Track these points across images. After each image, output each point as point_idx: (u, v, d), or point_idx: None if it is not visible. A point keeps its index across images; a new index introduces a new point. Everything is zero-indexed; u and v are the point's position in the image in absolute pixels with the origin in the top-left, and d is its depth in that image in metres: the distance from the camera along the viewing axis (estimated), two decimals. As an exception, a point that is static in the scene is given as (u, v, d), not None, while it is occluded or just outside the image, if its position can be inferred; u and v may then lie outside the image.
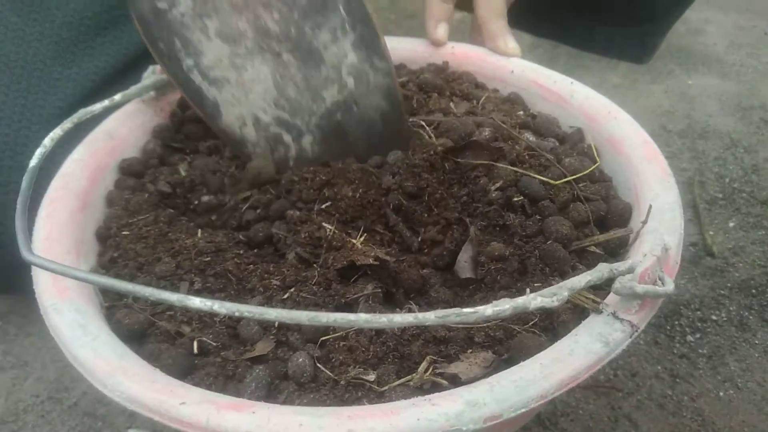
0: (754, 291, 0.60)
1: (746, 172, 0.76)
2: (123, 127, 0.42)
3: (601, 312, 0.28)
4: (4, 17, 0.53)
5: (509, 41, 0.48)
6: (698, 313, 0.58)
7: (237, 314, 0.22)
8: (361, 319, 0.22)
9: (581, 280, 0.26)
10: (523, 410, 0.24)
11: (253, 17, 0.38)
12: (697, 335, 0.56)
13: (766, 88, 0.92)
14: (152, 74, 0.44)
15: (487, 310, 0.23)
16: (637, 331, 0.28)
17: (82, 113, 0.37)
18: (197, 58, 0.39)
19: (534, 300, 0.24)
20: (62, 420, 0.51)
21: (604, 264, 0.27)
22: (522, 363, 0.26)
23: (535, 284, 0.32)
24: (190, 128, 0.43)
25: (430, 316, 0.23)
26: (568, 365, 0.26)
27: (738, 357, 0.54)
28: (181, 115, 0.44)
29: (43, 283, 0.30)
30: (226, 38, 0.39)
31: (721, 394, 0.52)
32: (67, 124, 0.36)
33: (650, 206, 0.32)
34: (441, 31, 0.50)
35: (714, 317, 0.58)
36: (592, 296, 0.29)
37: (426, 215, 0.36)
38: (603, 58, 0.74)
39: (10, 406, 0.52)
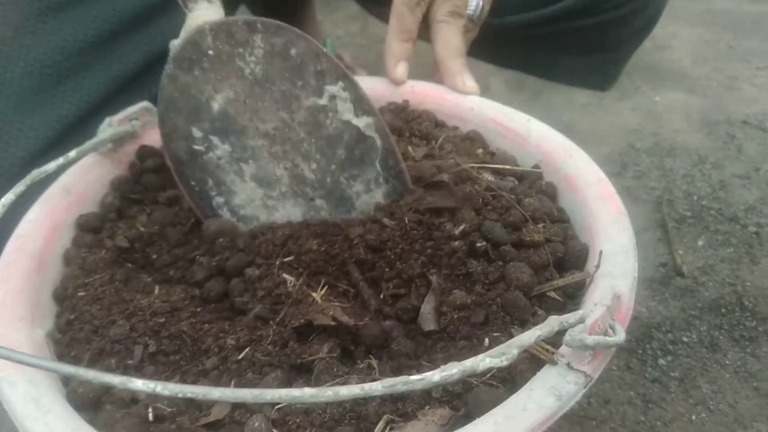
0: (723, 310, 0.61)
1: (714, 189, 0.77)
2: (80, 181, 0.42)
3: (556, 363, 0.28)
4: (-37, 68, 0.53)
5: (467, 80, 0.49)
6: (669, 335, 0.59)
7: (180, 395, 0.22)
8: (306, 394, 0.22)
9: (531, 336, 0.26)
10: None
11: (291, 165, 0.39)
12: (669, 358, 0.57)
13: (731, 102, 0.94)
14: (108, 127, 0.43)
15: (435, 376, 0.23)
16: (591, 381, 0.28)
17: (35, 174, 0.37)
18: (229, 197, 0.40)
19: (483, 361, 0.24)
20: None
21: (554, 317, 0.27)
22: (476, 421, 0.26)
23: (495, 333, 0.32)
24: (149, 178, 0.43)
25: (377, 387, 0.23)
26: (522, 422, 0.26)
27: (709, 379, 0.55)
28: (140, 165, 0.44)
29: (-6, 356, 0.30)
30: (261, 182, 0.40)
31: (694, 417, 0.52)
32: (20, 187, 0.35)
33: (600, 252, 0.33)
34: (400, 70, 0.50)
35: (685, 339, 0.58)
36: (547, 346, 0.29)
37: (388, 269, 0.36)
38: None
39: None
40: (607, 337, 0.27)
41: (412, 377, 0.23)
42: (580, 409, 0.53)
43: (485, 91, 0.95)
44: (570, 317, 0.28)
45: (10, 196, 0.34)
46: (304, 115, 0.39)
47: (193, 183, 0.40)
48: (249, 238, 0.37)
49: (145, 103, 0.46)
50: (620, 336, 0.28)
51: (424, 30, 0.53)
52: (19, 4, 0.55)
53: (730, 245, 0.68)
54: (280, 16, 0.95)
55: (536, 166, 0.43)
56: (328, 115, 0.39)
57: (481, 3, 0.52)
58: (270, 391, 0.22)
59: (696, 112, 0.92)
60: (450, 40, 0.50)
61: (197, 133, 0.39)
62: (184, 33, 0.40)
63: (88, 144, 0.41)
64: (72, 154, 0.40)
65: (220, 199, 0.40)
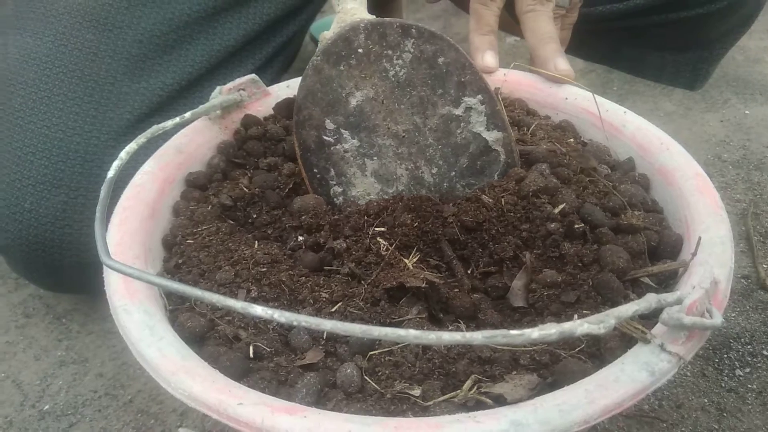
0: (809, 329, 0.59)
1: (804, 206, 0.74)
2: (191, 142, 0.45)
3: (649, 342, 0.28)
4: (81, 35, 0.57)
5: (560, 64, 0.49)
6: (749, 347, 0.57)
7: (295, 323, 0.24)
8: (411, 335, 0.23)
9: (629, 309, 0.26)
10: (565, 433, 0.25)
11: (413, 167, 0.41)
12: (747, 369, 0.55)
13: (827, 120, 0.89)
14: (219, 94, 0.46)
15: (534, 333, 0.24)
16: (683, 362, 0.28)
17: (155, 129, 0.40)
18: (347, 188, 0.42)
19: (581, 326, 0.25)
20: (117, 416, 0.54)
21: (653, 294, 0.28)
22: (567, 387, 0.27)
23: (584, 311, 0.32)
24: (251, 145, 0.46)
25: (477, 336, 0.24)
26: (613, 392, 0.26)
27: (790, 395, 0.53)
28: (245, 133, 0.46)
29: (114, 286, 0.32)
30: (381, 178, 0.41)
31: (771, 432, 0.50)
32: (141, 138, 0.38)
33: (699, 238, 0.33)
34: (488, 58, 0.51)
35: (765, 352, 0.56)
36: (640, 326, 0.30)
37: (481, 250, 0.37)
38: (656, 84, 0.73)
39: (69, 400, 0.55)
40: (704, 319, 0.27)
41: (512, 331, 0.24)
42: (651, 410, 0.52)
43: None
44: (668, 296, 0.28)
45: (133, 146, 0.37)
46: (436, 121, 0.40)
47: (315, 170, 0.42)
48: (334, 216, 0.39)
49: (252, 75, 0.49)
50: (717, 320, 0.28)
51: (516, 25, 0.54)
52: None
53: (819, 264, 0.66)
54: (373, 3, 0.97)
55: (630, 159, 0.43)
56: (460, 125, 0.40)
57: None
58: (377, 329, 0.24)
59: (789, 128, 0.88)
60: (538, 27, 0.51)
61: (330, 125, 0.41)
62: (336, 27, 0.41)
63: (200, 108, 0.44)
64: (187, 115, 0.42)
65: (338, 189, 0.42)
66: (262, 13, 0.65)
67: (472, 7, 0.54)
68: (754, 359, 0.56)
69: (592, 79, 1.01)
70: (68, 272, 0.57)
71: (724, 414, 0.51)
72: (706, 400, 0.53)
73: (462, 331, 0.33)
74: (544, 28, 0.51)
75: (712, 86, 0.99)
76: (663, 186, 0.40)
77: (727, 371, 0.55)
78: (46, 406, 0.55)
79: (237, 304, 0.24)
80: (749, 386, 0.54)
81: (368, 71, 0.39)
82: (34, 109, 0.55)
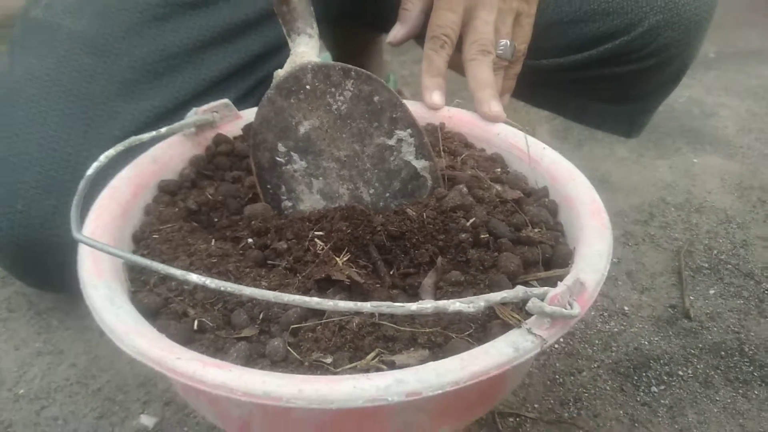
0: (723, 353, 0.64)
1: (735, 246, 0.80)
2: (165, 154, 0.51)
3: (520, 327, 0.34)
4: (80, 59, 0.64)
5: (493, 106, 0.56)
6: (666, 367, 0.63)
7: (222, 288, 0.30)
8: (314, 301, 0.30)
9: (497, 295, 0.33)
10: (439, 391, 0.31)
11: (353, 187, 0.47)
12: (662, 387, 0.61)
13: (768, 171, 0.97)
14: (194, 114, 0.53)
15: (413, 306, 0.30)
16: (545, 343, 0.34)
17: (133, 140, 0.46)
18: (296, 203, 0.48)
19: (453, 305, 0.31)
20: (86, 402, 0.59)
21: (521, 287, 0.34)
22: (447, 358, 0.33)
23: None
24: (220, 160, 0.52)
25: (367, 306, 0.30)
26: (482, 361, 0.32)
27: (698, 410, 0.58)
28: (215, 149, 0.53)
29: (85, 264, 0.38)
30: (325, 196, 0.48)
31: (676, 442, 0.56)
32: (119, 146, 0.45)
33: (574, 248, 0.39)
34: (435, 97, 0.58)
35: (680, 372, 0.62)
36: (516, 315, 0.36)
37: (403, 255, 0.43)
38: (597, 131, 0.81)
39: (43, 386, 0.60)
40: (563, 309, 0.33)
41: (395, 304, 0.30)
42: (570, 417, 0.57)
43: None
44: (535, 290, 0.34)
45: (111, 151, 0.44)
46: (373, 150, 0.47)
47: (269, 186, 0.48)
48: (280, 221, 0.45)
49: (225, 100, 0.55)
50: (575, 311, 0.34)
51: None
52: (132, 11, 0.67)
53: (741, 297, 0.72)
54: (351, 51, 1.06)
55: (544, 187, 0.50)
56: (393, 154, 0.47)
57: (509, 42, 0.60)
58: (286, 295, 0.30)
59: (731, 177, 0.96)
60: (478, 74, 0.58)
61: (282, 148, 0.47)
62: (289, 66, 0.48)
63: (176, 124, 0.51)
64: (163, 130, 0.49)
65: (288, 203, 0.48)
66: (245, 50, 0.72)
67: (425, 52, 0.61)
68: (670, 378, 0.62)
69: (556, 125, 1.09)
70: (52, 271, 0.62)
71: (636, 424, 0.57)
72: (621, 412, 0.58)
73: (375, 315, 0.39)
74: (483, 76, 0.58)
75: (666, 135, 1.08)
76: (566, 210, 0.47)
77: (643, 387, 0.60)
78: (21, 390, 0.60)
79: (177, 272, 0.31)
80: (662, 401, 0.59)
81: (314, 104, 0.46)
82: (34, 122, 0.62)
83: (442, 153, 0.53)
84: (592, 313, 0.68)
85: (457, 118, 0.58)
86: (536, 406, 0.58)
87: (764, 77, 1.29)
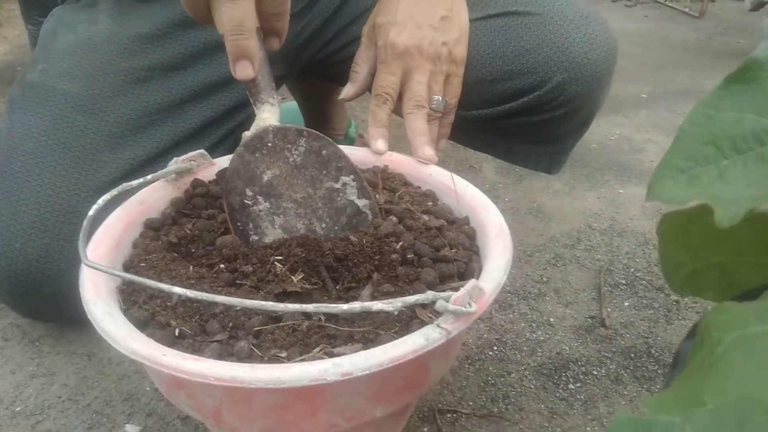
0: (633, 355, 0.75)
1: (650, 265, 0.92)
2: (150, 197, 0.61)
3: (431, 323, 0.45)
4: (72, 116, 0.74)
5: (426, 151, 0.67)
6: (583, 368, 0.73)
7: (199, 298, 0.40)
8: (268, 304, 0.39)
9: (411, 298, 0.43)
10: (367, 372, 0.41)
11: (308, 223, 0.58)
12: (578, 384, 0.71)
13: (683, 199, 1.10)
14: (175, 163, 0.63)
15: (343, 306, 0.40)
16: (450, 334, 0.44)
17: (124, 186, 0.56)
18: (261, 237, 0.58)
19: (376, 305, 0.41)
20: (77, 415, 0.67)
21: (431, 291, 0.44)
22: (373, 348, 0.43)
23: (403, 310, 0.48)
24: (197, 201, 0.62)
25: (309, 306, 0.40)
26: (399, 349, 0.42)
27: (608, 403, 0.69)
28: (192, 191, 0.63)
29: (86, 286, 0.48)
30: (286, 230, 0.58)
31: (588, 429, 0.66)
32: (114, 191, 0.54)
33: (481, 267, 0.50)
34: (380, 144, 0.69)
35: (595, 372, 0.73)
36: (432, 316, 0.46)
37: (347, 273, 0.54)
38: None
39: (38, 403, 0.68)
40: (463, 308, 0.44)
41: (331, 305, 0.40)
42: (498, 411, 0.67)
43: (477, 173, 1.14)
44: (442, 294, 0.44)
45: (107, 196, 0.54)
46: (323, 192, 0.58)
47: (239, 224, 0.58)
48: (247, 249, 0.55)
49: (201, 150, 0.66)
50: (473, 309, 0.44)
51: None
52: (118, 74, 0.77)
53: (651, 308, 0.83)
54: (317, 100, 1.19)
55: (465, 217, 0.61)
56: (340, 195, 0.58)
57: (440, 98, 0.72)
58: (247, 301, 0.40)
59: (651, 205, 1.08)
60: (414, 125, 0.70)
61: (249, 192, 0.58)
62: (254, 129, 0.59)
63: (159, 172, 0.61)
64: (149, 177, 0.59)
65: (255, 237, 0.58)
66: (219, 104, 0.83)
67: (371, 107, 0.73)
68: (585, 377, 0.72)
69: (500, 163, 1.21)
70: (45, 301, 0.71)
71: (554, 416, 0.67)
72: (542, 406, 0.68)
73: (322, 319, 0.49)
74: (418, 126, 0.70)
75: (597, 169, 1.20)
76: (481, 234, 0.57)
77: (562, 385, 0.71)
78: (18, 408, 0.67)
79: (164, 286, 0.40)
80: (577, 396, 0.69)
81: (275, 158, 0.56)
82: (31, 172, 0.71)
83: (383, 190, 0.64)
84: (522, 324, 0.79)
85: (398, 161, 0.69)
86: (470, 403, 0.67)
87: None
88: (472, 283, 0.47)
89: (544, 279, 0.88)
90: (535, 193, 1.11)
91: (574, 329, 0.79)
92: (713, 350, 0.24)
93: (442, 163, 0.68)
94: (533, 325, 0.79)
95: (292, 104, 1.23)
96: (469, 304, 0.45)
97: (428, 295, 0.44)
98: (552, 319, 0.80)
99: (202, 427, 0.65)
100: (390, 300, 0.42)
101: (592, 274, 0.90)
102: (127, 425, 0.65)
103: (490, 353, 0.74)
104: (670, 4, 2.61)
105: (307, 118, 1.17)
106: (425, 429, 0.65)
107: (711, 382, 0.22)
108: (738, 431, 0.19)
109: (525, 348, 0.75)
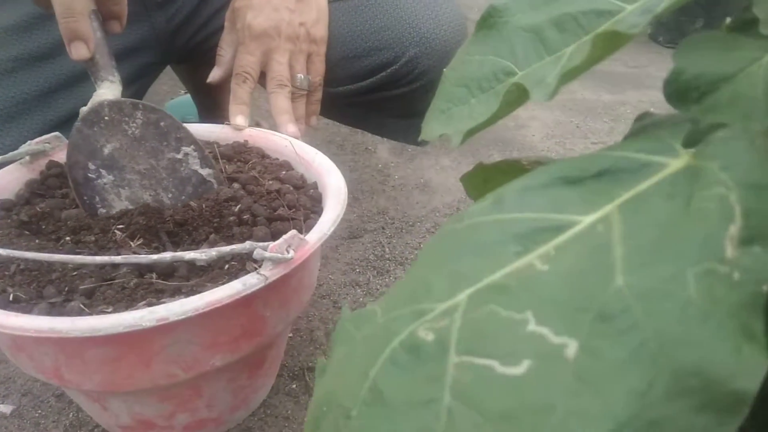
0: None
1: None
2: (3, 180, 0.63)
3: (253, 271, 0.48)
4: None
5: (289, 128, 0.71)
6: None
7: (20, 256, 0.42)
8: (88, 258, 0.42)
9: (227, 248, 0.46)
10: (183, 317, 0.44)
11: (154, 194, 0.60)
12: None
13: (561, 168, 1.17)
14: (27, 145, 0.65)
15: (152, 256, 0.43)
16: (267, 280, 0.47)
17: (-30, 167, 0.57)
18: (109, 209, 0.60)
19: (188, 254, 0.45)
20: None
21: (250, 242, 0.48)
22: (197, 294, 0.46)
23: (232, 262, 0.52)
24: (51, 181, 0.64)
25: (119, 258, 0.43)
26: (217, 294, 0.45)
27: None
28: (47, 172, 0.65)
29: None
30: (132, 202, 0.60)
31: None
32: (-44, 172, 0.56)
33: (304, 218, 0.54)
34: (239, 120, 0.72)
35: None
36: (255, 264, 0.49)
37: (186, 236, 0.57)
38: (439, 144, 0.97)
39: None
40: (279, 255, 0.48)
41: (141, 256, 0.43)
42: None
43: (372, 155, 1.18)
44: (260, 243, 0.48)
45: (-52, 177, 0.55)
46: (165, 163, 0.60)
47: (85, 198, 0.60)
48: (91, 220, 0.57)
49: (56, 133, 0.67)
50: (290, 256, 0.48)
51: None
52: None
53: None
54: (206, 87, 1.21)
55: (314, 183, 0.65)
56: (183, 165, 0.60)
57: (303, 76, 0.76)
58: (58, 255, 0.42)
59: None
60: (278, 103, 0.73)
61: (92, 166, 0.60)
62: (90, 104, 0.61)
63: (9, 154, 0.62)
64: (-2, 159, 0.61)
65: (103, 210, 0.60)
66: (88, 92, 0.84)
67: (231, 86, 0.76)
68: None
69: (394, 144, 1.26)
70: None
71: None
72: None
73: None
74: (281, 104, 0.74)
75: (483, 146, 1.27)
76: (326, 195, 0.62)
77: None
78: None
79: (-21, 248, 0.42)
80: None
81: (113, 131, 0.59)
82: None
83: (237, 162, 0.67)
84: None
85: (257, 136, 0.73)
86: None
87: (573, 91, 1.53)
88: (291, 233, 0.51)
89: (422, 246, 0.93)
90: (424, 170, 1.17)
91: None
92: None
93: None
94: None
95: (186, 97, 1.24)
96: (287, 251, 0.48)
97: (245, 245, 0.47)
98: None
99: (74, 405, 0.67)
100: (204, 250, 0.45)
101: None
102: (0, 405, 0.66)
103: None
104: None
105: (200, 107, 1.19)
106: (294, 386, 0.69)
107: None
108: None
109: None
